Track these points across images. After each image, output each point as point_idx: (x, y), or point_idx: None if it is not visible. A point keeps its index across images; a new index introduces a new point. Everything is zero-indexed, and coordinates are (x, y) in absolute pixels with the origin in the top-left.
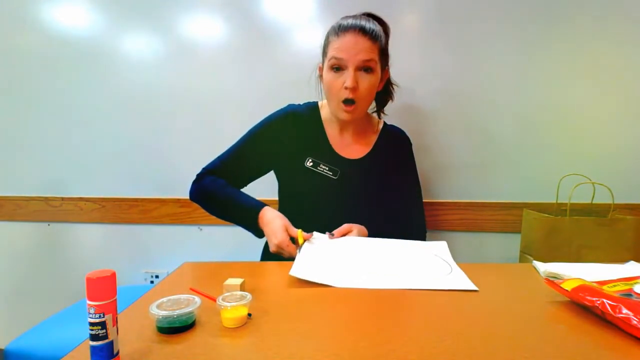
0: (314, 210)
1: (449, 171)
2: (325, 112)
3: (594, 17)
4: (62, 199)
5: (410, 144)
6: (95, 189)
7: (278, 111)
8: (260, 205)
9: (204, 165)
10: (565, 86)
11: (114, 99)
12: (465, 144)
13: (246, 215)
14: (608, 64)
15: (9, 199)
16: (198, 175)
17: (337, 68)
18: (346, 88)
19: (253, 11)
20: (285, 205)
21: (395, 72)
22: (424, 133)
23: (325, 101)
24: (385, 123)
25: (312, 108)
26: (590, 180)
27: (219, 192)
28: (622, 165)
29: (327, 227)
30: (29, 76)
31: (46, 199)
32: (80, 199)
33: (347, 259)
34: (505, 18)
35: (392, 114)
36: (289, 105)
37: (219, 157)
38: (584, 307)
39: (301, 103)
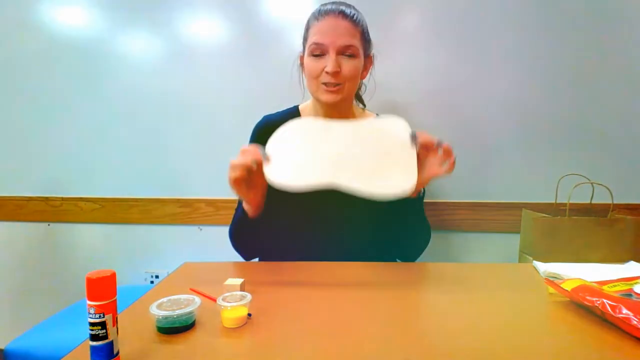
0: (301, 210)
1: None
2: (306, 114)
3: (593, 16)
4: (62, 199)
5: None
6: (95, 189)
7: (253, 130)
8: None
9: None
10: (565, 85)
11: (114, 99)
12: (464, 143)
13: (242, 210)
14: (608, 64)
15: (9, 199)
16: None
17: (318, 54)
18: (327, 72)
19: (253, 12)
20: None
21: (394, 70)
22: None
23: (307, 103)
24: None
25: (290, 112)
26: (590, 180)
27: (235, 226)
28: (621, 165)
29: (316, 223)
30: (29, 76)
31: (46, 199)
32: (80, 199)
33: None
34: (505, 17)
35: (391, 113)
36: (263, 117)
37: (238, 201)
38: (584, 307)
39: (279, 110)
